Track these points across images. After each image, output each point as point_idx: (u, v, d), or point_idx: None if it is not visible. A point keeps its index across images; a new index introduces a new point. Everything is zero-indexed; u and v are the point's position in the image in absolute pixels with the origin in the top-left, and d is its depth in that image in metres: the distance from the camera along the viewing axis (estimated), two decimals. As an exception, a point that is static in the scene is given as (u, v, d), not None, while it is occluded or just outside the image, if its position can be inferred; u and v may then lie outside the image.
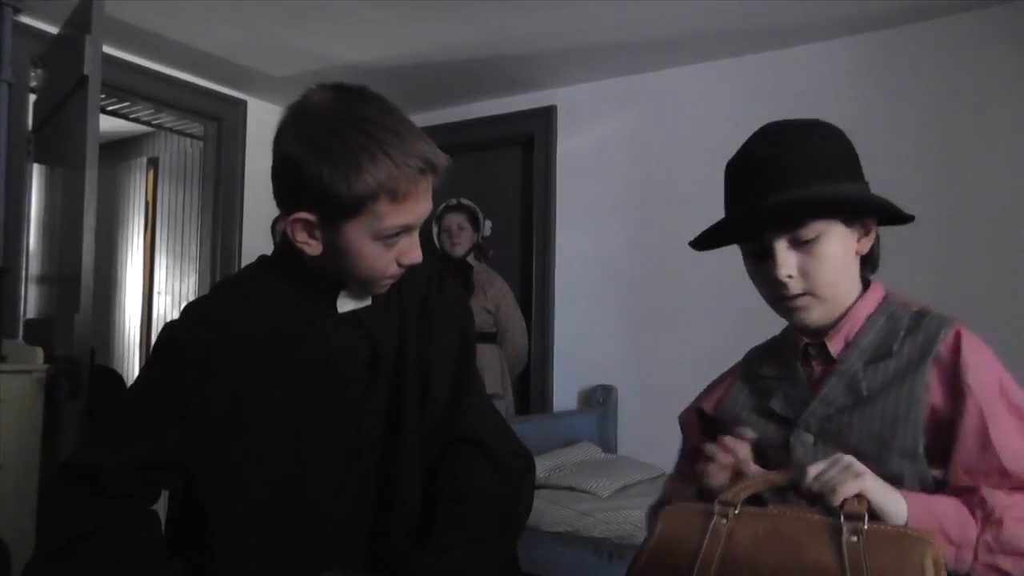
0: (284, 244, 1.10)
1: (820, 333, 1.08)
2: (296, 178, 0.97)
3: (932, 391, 0.97)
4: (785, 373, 1.12)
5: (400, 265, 1.06)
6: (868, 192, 1.05)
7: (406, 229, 1.03)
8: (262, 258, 1.19)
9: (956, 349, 0.97)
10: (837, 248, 1.02)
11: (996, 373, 0.96)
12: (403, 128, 0.99)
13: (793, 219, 1.02)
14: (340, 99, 1.00)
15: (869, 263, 1.10)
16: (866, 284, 1.10)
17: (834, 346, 1.06)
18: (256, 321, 1.06)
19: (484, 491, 1.13)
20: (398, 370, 1.14)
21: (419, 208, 1.02)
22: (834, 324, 1.07)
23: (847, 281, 1.06)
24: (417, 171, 0.98)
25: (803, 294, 1.04)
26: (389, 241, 1.02)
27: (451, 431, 1.16)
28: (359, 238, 1.00)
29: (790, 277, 1.03)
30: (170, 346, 1.04)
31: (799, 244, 1.03)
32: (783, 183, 1.02)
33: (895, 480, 0.92)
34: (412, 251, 1.06)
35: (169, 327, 1.08)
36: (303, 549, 1.06)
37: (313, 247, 1.02)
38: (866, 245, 1.07)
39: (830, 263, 1.02)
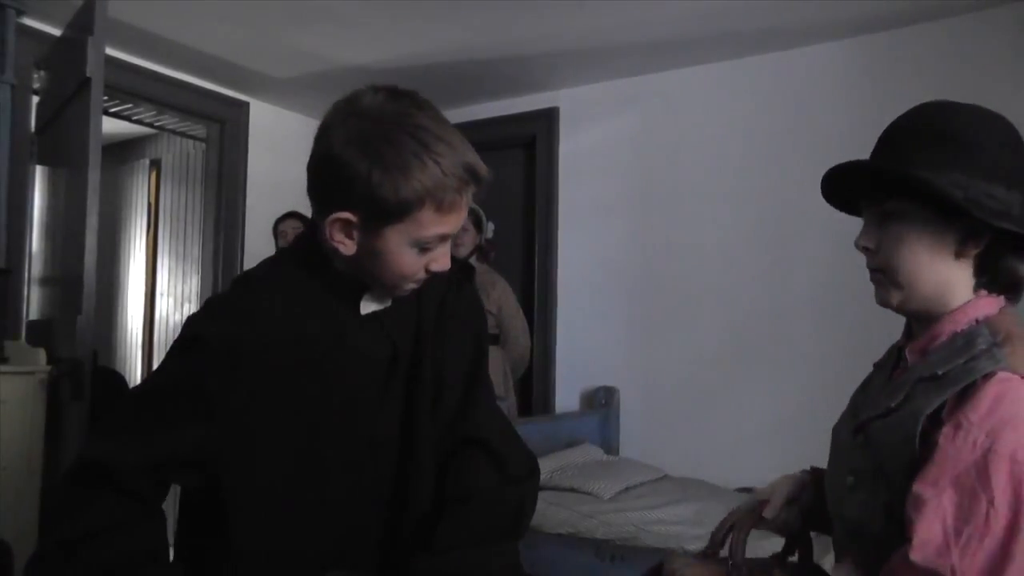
0: (307, 242, 1.11)
1: (917, 334, 1.05)
2: (342, 178, 0.96)
3: (945, 418, 0.90)
4: (882, 366, 1.12)
5: (428, 271, 1.07)
6: (973, 191, 0.94)
7: (443, 238, 1.04)
8: (283, 254, 1.18)
9: (984, 386, 0.88)
10: (914, 234, 0.97)
11: (1004, 438, 0.83)
12: (454, 138, 0.99)
13: (861, 185, 1.01)
14: (393, 103, 0.98)
15: (988, 277, 0.99)
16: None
17: (911, 355, 1.03)
18: (280, 320, 1.06)
19: (489, 493, 1.14)
20: (414, 370, 1.14)
21: (459, 218, 1.03)
22: (926, 329, 1.02)
23: (930, 278, 0.98)
24: (463, 181, 0.99)
25: (878, 271, 1.02)
26: (424, 248, 1.03)
27: (460, 433, 1.17)
28: (397, 244, 1.01)
29: (865, 248, 1.02)
30: (195, 342, 1.03)
31: (883, 218, 1.00)
32: (885, 152, 1.00)
33: (900, 495, 0.91)
34: (443, 259, 1.06)
35: (194, 323, 1.06)
36: (318, 547, 1.07)
37: (348, 247, 1.02)
38: (970, 250, 0.97)
39: (903, 247, 0.98)
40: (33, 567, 1.00)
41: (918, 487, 0.86)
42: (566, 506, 2.68)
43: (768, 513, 1.14)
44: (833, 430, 1.15)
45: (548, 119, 3.85)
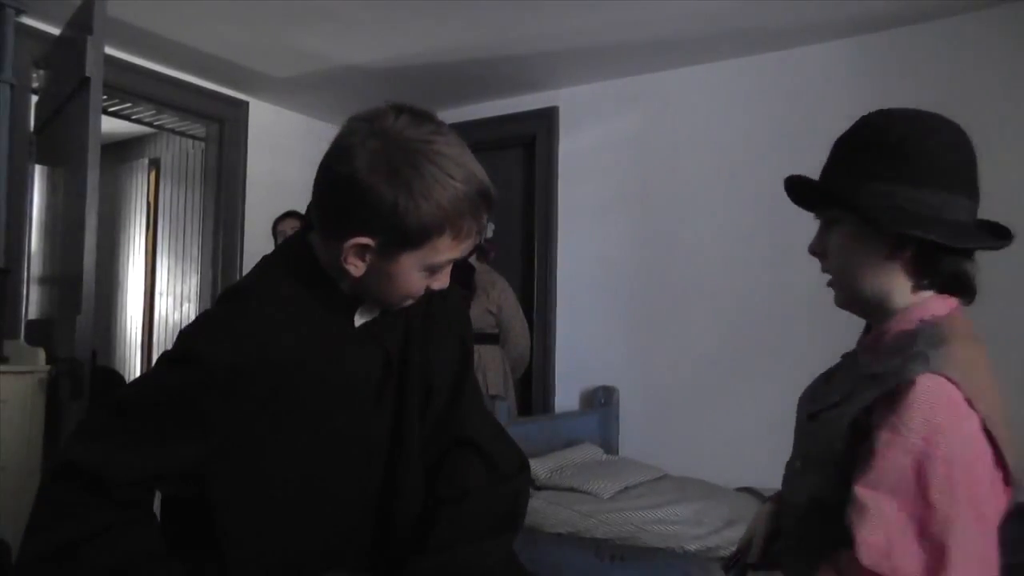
0: (297, 250, 1.10)
1: (872, 331, 1.10)
2: (365, 203, 0.95)
3: (875, 418, 0.93)
4: (848, 356, 1.16)
5: (428, 289, 1.07)
6: (899, 198, 0.97)
7: (452, 261, 1.05)
8: (272, 264, 1.14)
9: (913, 390, 0.89)
10: (845, 240, 1.04)
11: (927, 442, 0.87)
12: (472, 164, 0.99)
13: (796, 197, 1.10)
14: (417, 127, 0.97)
15: (930, 278, 1.01)
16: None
17: (861, 351, 1.08)
18: (275, 337, 1.04)
19: (482, 491, 1.15)
20: (403, 375, 1.15)
21: (471, 243, 1.04)
22: (876, 327, 1.07)
23: (869, 281, 1.03)
24: (479, 208, 1.00)
25: (828, 274, 1.09)
26: (433, 270, 1.04)
27: (449, 434, 1.19)
28: (409, 268, 1.01)
29: (814, 253, 1.09)
30: (195, 361, 1.01)
31: (827, 225, 1.08)
32: (827, 164, 1.07)
33: (832, 489, 0.95)
34: (444, 278, 1.08)
35: (189, 339, 1.04)
36: (312, 552, 1.07)
37: (358, 269, 1.01)
38: (901, 253, 0.99)
39: (836, 252, 1.05)
40: (29, 569, 0.98)
41: (859, 491, 0.89)
42: (566, 506, 2.68)
43: (753, 558, 1.19)
44: (798, 403, 1.20)
45: (548, 118, 3.85)
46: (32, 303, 2.95)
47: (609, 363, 3.60)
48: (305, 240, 1.11)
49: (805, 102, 3.18)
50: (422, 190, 0.94)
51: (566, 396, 3.74)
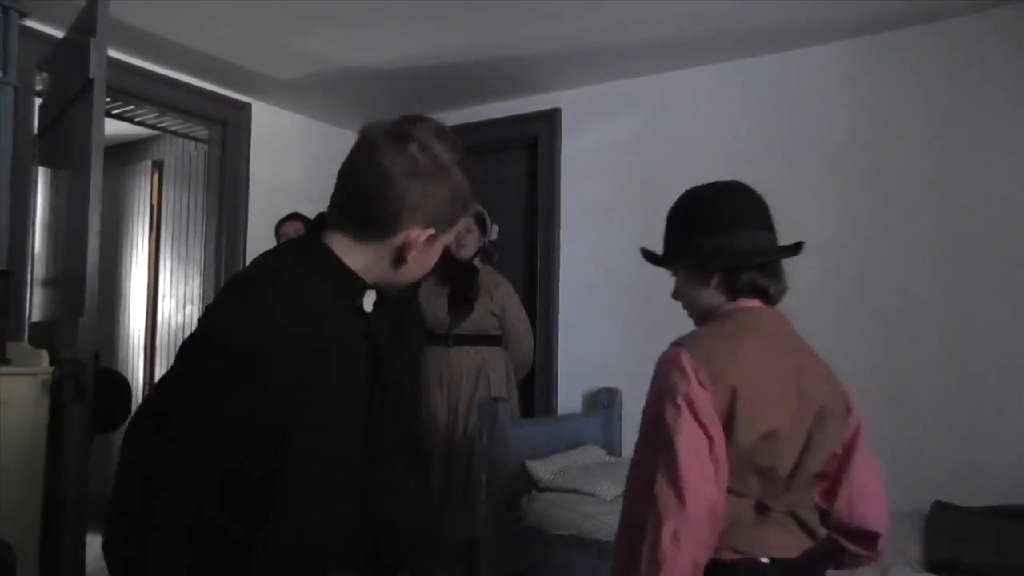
0: (312, 244, 1.12)
1: None
2: (428, 199, 1.10)
3: None
4: None
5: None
6: (701, 245, 1.37)
7: None
8: (290, 256, 1.15)
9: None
10: (682, 282, 1.43)
11: (654, 393, 1.32)
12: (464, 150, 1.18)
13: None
14: (435, 129, 1.13)
15: (741, 292, 1.36)
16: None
17: None
18: (311, 328, 1.04)
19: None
20: (379, 371, 1.21)
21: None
22: None
23: (700, 303, 1.39)
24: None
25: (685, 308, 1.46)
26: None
27: (397, 433, 1.25)
28: (441, 245, 1.18)
29: (675, 297, 1.45)
30: (224, 351, 1.01)
31: (674, 273, 1.45)
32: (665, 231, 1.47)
33: None
34: None
35: (220, 329, 1.04)
36: (339, 542, 1.09)
37: (413, 259, 1.14)
38: (711, 280, 1.35)
39: (681, 292, 1.43)
40: None
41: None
42: (568, 507, 2.68)
43: None
44: None
45: (550, 120, 3.85)
46: (35, 305, 2.95)
47: (612, 365, 3.59)
48: (321, 242, 1.12)
49: (806, 103, 3.18)
50: (458, 180, 1.12)
51: (569, 398, 3.74)
